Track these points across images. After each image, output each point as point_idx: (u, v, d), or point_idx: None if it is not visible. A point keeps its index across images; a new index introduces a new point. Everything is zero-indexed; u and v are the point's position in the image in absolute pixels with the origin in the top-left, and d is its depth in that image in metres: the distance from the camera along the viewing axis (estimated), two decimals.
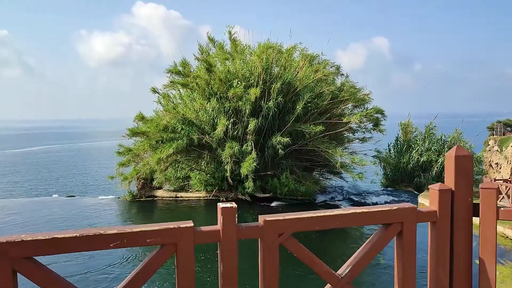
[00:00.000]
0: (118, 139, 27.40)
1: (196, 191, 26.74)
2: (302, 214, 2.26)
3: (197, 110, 25.69)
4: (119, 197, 27.52)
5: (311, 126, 24.15)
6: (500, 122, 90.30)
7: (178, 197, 26.84)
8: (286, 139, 23.39)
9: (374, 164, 27.20)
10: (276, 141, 23.82)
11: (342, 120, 25.69)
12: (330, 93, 25.55)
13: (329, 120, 25.63)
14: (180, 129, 25.02)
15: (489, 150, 68.45)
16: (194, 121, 25.44)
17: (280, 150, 23.49)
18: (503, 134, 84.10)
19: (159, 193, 27.37)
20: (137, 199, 26.81)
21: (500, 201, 21.91)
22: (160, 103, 27.64)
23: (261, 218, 2.18)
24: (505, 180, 24.03)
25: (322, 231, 19.79)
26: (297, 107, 24.30)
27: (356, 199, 26.24)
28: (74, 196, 30.76)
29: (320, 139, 24.86)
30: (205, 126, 25.68)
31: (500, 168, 52.95)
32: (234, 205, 2.15)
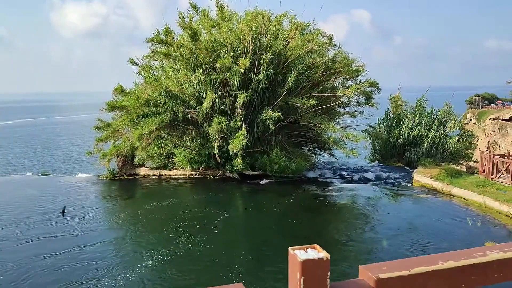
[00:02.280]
0: (97, 113, 25.62)
1: (181, 168, 25.32)
2: (432, 264, 1.38)
3: (181, 83, 24.00)
4: (98, 176, 25.94)
5: (304, 99, 22.80)
6: (479, 96, 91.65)
7: (162, 175, 25.40)
8: (277, 114, 22.02)
9: (365, 138, 26.14)
10: (266, 116, 22.43)
11: (336, 93, 24.39)
12: (323, 64, 24.13)
13: (322, 93, 24.30)
14: (163, 103, 23.37)
15: (467, 123, 69.02)
16: (178, 94, 23.78)
17: (271, 126, 22.15)
18: (481, 108, 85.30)
19: (141, 171, 25.86)
20: (117, 178, 25.27)
21: (498, 178, 21.19)
22: (141, 75, 25.74)
23: (365, 272, 1.31)
24: (502, 156, 23.31)
25: (313, 211, 18.85)
26: (289, 79, 22.84)
27: (347, 175, 25.24)
28: (49, 174, 29.01)
29: (312, 114, 23.58)
30: (190, 100, 24.07)
31: (477, 141, 53.12)
32: (325, 255, 1.28)
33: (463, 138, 31.12)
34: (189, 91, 23.92)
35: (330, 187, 22.75)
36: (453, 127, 32.13)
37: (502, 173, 20.92)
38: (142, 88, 24.74)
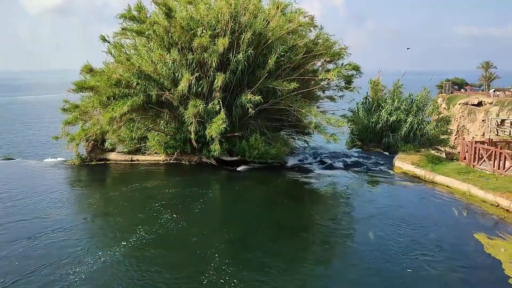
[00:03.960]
0: (65, 93, 23.96)
1: (155, 154, 24.09)
2: None
3: (155, 63, 22.58)
4: (65, 161, 24.40)
5: (284, 83, 21.83)
6: (449, 81, 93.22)
7: (134, 160, 24.09)
8: (257, 97, 20.99)
9: (347, 124, 25.49)
10: (246, 99, 21.37)
11: (318, 76, 23.53)
12: (304, 46, 23.15)
13: (303, 76, 23.39)
14: (135, 84, 21.96)
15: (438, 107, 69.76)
16: (152, 75, 22.39)
17: (250, 109, 21.13)
18: (451, 92, 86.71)
19: (112, 156, 24.46)
20: (86, 163, 23.80)
21: (480, 165, 20.96)
22: (111, 54, 24.07)
23: None
24: (482, 142, 23.13)
25: (294, 198, 18.12)
26: (269, 61, 21.78)
27: (329, 161, 24.60)
28: (13, 159, 27.20)
29: (292, 97, 22.67)
30: (165, 81, 22.72)
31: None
32: None
33: (440, 124, 31.00)
34: (164, 72, 22.56)
35: (311, 173, 22.05)
36: (432, 112, 31.96)
37: (484, 160, 20.69)
38: (113, 67, 23.21)
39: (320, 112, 24.52)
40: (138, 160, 24.11)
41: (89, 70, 22.92)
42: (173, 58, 22.03)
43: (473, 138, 46.13)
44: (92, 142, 24.20)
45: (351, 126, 30.33)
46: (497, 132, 43.18)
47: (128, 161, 24.03)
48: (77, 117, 24.02)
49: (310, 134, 27.44)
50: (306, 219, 15.85)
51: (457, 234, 13.65)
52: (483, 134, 63.42)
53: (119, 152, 25.00)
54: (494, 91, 79.18)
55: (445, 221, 14.81)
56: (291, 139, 28.52)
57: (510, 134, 39.56)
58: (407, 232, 13.70)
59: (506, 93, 74.19)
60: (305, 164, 24.30)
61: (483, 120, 71.20)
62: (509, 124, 43.34)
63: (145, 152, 24.65)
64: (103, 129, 23.21)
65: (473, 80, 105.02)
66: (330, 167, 23.61)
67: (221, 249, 12.17)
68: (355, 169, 23.06)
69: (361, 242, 12.95)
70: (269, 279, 10.42)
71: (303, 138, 28.47)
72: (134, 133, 24.09)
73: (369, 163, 24.31)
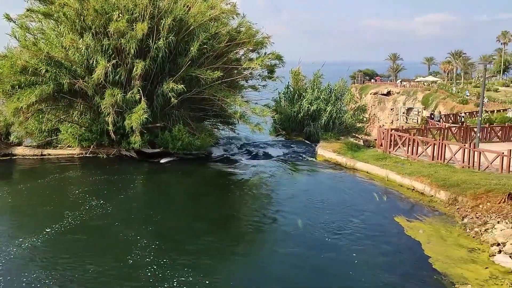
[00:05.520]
0: None
1: (68, 147, 22.31)
2: None
3: (66, 48, 20.76)
4: None
5: (208, 71, 21.23)
6: (361, 72, 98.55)
7: (45, 154, 22.10)
8: (180, 86, 20.17)
9: (271, 114, 25.57)
10: (168, 88, 20.44)
11: (242, 65, 23.23)
12: (227, 34, 22.67)
13: (226, 65, 22.95)
14: (44, 71, 20.04)
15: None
16: (63, 61, 20.57)
17: (172, 99, 20.27)
18: (363, 83, 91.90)
19: (18, 150, 22.23)
20: None
21: (395, 151, 22.15)
22: (15, 37, 21.69)
23: None
24: (396, 130, 24.47)
25: (221, 189, 17.79)
26: (192, 48, 21.00)
27: (254, 151, 24.53)
28: None
29: (216, 86, 22.14)
30: (78, 68, 21.00)
31: None
32: None
33: (357, 112, 32.36)
34: (76, 58, 20.85)
35: (236, 164, 21.84)
36: (349, 102, 33.28)
37: (399, 147, 21.90)
38: (18, 53, 20.97)
39: (245, 101, 24.29)
40: (49, 154, 22.16)
41: None
42: (87, 44, 20.39)
43: (382, 125, 48.95)
44: None
45: (275, 115, 30.59)
46: (406, 120, 46.35)
47: (38, 155, 21.98)
48: None
49: (235, 124, 27.18)
50: (233, 210, 15.62)
51: (379, 218, 14.22)
52: (392, 122, 67.98)
53: (27, 146, 22.79)
54: (401, 81, 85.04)
55: (368, 206, 15.37)
56: (216, 129, 28.06)
57: (417, 121, 42.61)
58: (333, 218, 13.99)
59: (411, 84, 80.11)
60: (230, 155, 24.00)
61: (391, 109, 76.28)
62: (416, 113, 46.72)
63: (57, 146, 22.73)
64: (7, 121, 21.00)
65: (382, 71, 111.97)
66: (255, 156, 23.57)
67: (145, 245, 11.46)
68: (280, 158, 23.25)
69: (290, 231, 12.98)
70: (196, 273, 9.97)
71: (228, 128, 28.12)
72: (44, 125, 22.05)
73: (293, 152, 24.65)
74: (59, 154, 22.15)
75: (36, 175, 18.86)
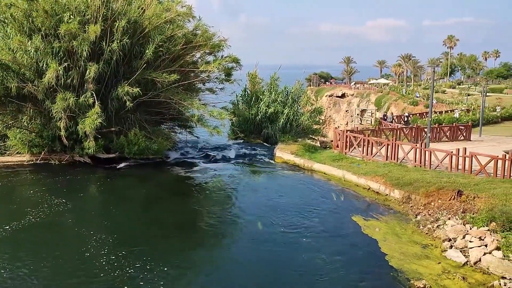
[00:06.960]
0: None
1: (17, 153, 21.30)
2: None
3: (13, 50, 19.83)
4: None
5: (164, 74, 20.92)
6: (316, 74, 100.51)
7: None
8: (135, 90, 19.75)
9: (230, 116, 25.55)
10: (123, 91, 19.96)
11: (199, 68, 23.06)
12: (183, 36, 22.46)
13: (183, 68, 22.71)
14: None
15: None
16: (10, 64, 19.64)
17: (127, 102, 19.81)
18: (318, 85, 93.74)
19: None
20: None
21: (351, 152, 22.71)
22: None
23: None
24: (352, 131, 25.08)
25: (179, 194, 17.57)
26: (147, 51, 20.64)
27: (212, 154, 24.39)
28: None
29: (173, 90, 21.87)
30: (27, 72, 20.11)
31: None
32: None
33: (313, 114, 32.93)
34: (25, 61, 19.95)
35: (195, 168, 21.63)
36: (305, 104, 33.86)
37: (355, 148, 22.47)
38: None
39: (202, 104, 24.13)
40: None
41: None
42: (36, 46, 19.58)
43: (338, 127, 50.14)
44: None
45: (233, 118, 30.58)
46: (361, 121, 47.66)
47: None
48: None
49: (193, 127, 26.95)
50: (192, 215, 15.41)
51: (337, 218, 14.51)
52: (347, 123, 69.76)
53: None
54: (354, 84, 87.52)
55: (326, 206, 15.66)
56: (173, 133, 27.70)
57: (371, 122, 43.90)
58: (292, 219, 14.14)
59: (365, 86, 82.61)
60: (188, 158, 23.76)
61: (346, 111, 78.27)
62: (370, 114, 48.13)
63: (5, 153, 21.65)
64: None
65: (337, 74, 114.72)
66: (214, 160, 23.46)
67: (102, 253, 11.10)
68: (239, 160, 23.27)
69: (249, 233, 13.01)
70: (153, 282, 9.78)
71: (185, 131, 27.83)
72: None
73: (252, 154, 24.74)
74: (7, 162, 21.06)
75: None
